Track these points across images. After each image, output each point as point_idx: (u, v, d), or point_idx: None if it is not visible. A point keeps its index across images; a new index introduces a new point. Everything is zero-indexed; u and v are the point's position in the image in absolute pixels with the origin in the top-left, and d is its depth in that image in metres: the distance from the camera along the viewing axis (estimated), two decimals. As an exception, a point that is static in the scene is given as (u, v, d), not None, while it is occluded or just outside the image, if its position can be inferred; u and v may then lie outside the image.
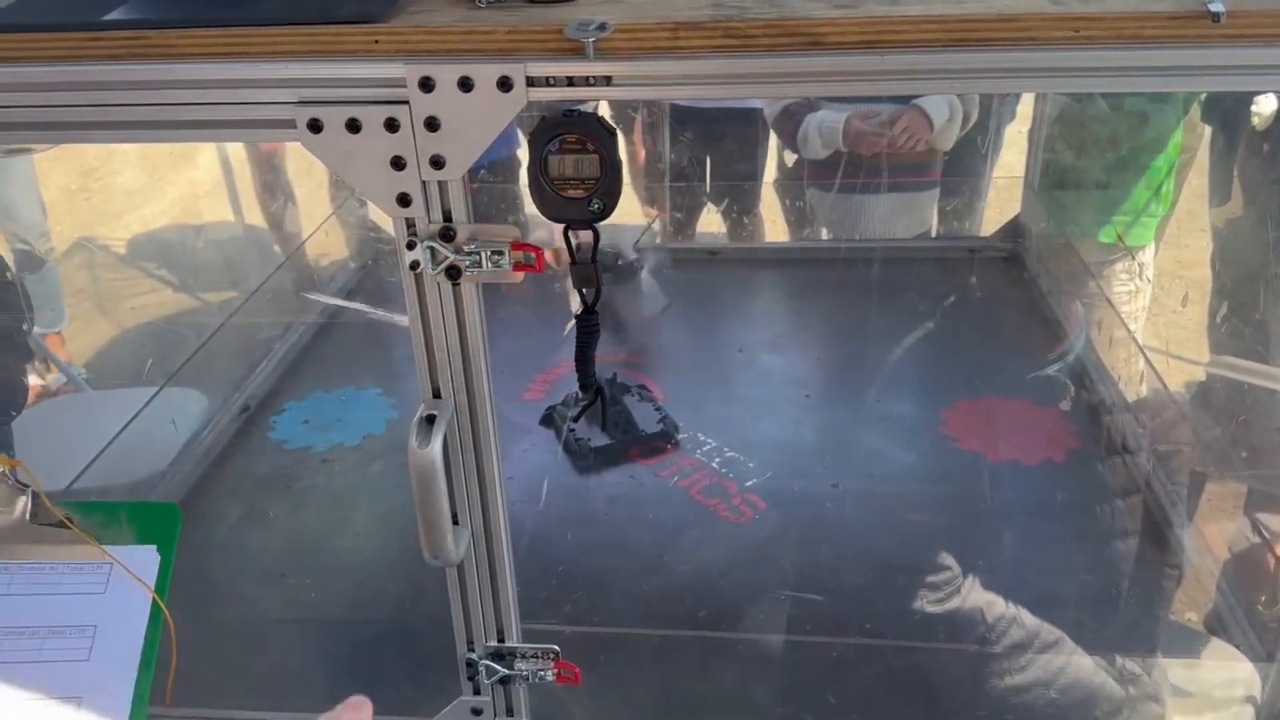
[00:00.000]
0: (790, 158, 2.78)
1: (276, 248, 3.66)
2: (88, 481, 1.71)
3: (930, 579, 1.45)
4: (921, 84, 0.97)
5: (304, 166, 3.39)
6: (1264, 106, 2.12)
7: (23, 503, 0.94)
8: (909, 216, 2.48)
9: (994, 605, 1.41)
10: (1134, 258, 2.33)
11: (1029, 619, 1.39)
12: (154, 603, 0.92)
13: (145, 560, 0.94)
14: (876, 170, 2.37)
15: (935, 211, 2.51)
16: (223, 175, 3.84)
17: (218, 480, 1.81)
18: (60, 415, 2.71)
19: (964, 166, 2.58)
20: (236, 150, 3.79)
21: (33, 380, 3.14)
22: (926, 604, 1.43)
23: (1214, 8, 0.82)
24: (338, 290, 2.39)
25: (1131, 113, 2.20)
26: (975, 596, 1.43)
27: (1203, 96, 2.30)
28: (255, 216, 3.74)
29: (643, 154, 2.94)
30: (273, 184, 3.45)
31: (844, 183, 2.43)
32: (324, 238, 2.61)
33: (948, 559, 1.48)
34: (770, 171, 2.95)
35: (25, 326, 3.17)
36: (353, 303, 2.31)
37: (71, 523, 0.94)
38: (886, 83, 0.87)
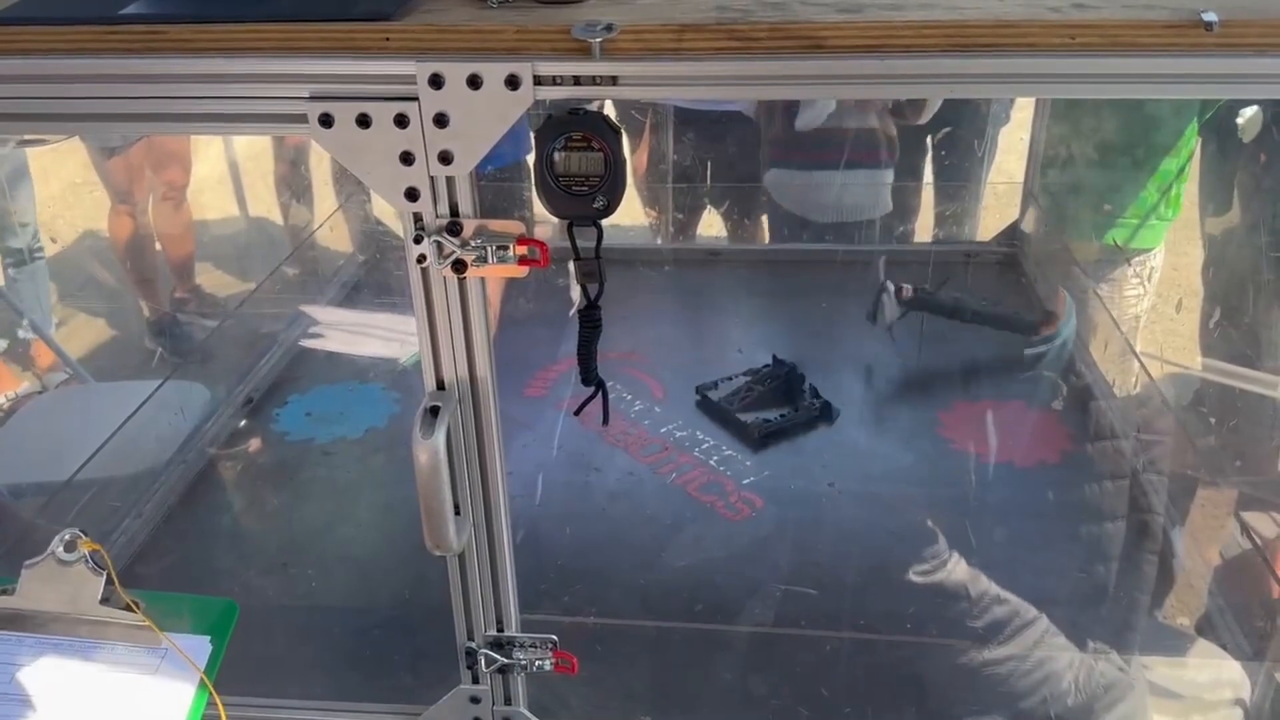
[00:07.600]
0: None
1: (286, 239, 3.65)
2: (91, 472, 1.72)
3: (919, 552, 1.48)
4: (921, 88, 0.99)
5: (315, 160, 3.38)
6: (1246, 118, 2.13)
7: (96, 585, 0.99)
8: (867, 195, 2.50)
9: (978, 580, 1.44)
10: (1129, 262, 2.34)
11: (1012, 598, 1.41)
12: (199, 688, 0.98)
13: (198, 648, 1.00)
14: (836, 149, 2.40)
15: (890, 192, 2.52)
16: (228, 170, 3.85)
17: (221, 471, 1.83)
18: (64, 407, 2.72)
19: (961, 171, 2.60)
20: (241, 146, 3.80)
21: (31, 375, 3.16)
22: (913, 574, 1.45)
23: (1206, 17, 0.84)
24: (343, 284, 2.41)
25: (1135, 116, 2.21)
26: (960, 571, 1.46)
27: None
28: (260, 210, 3.75)
29: (645, 157, 2.95)
30: (289, 175, 3.42)
31: (803, 161, 2.46)
32: (329, 232, 2.63)
33: (936, 532, 1.51)
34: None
35: (25, 321, 3.19)
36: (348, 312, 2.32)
37: (138, 607, 0.99)
38: (887, 86, 0.89)
